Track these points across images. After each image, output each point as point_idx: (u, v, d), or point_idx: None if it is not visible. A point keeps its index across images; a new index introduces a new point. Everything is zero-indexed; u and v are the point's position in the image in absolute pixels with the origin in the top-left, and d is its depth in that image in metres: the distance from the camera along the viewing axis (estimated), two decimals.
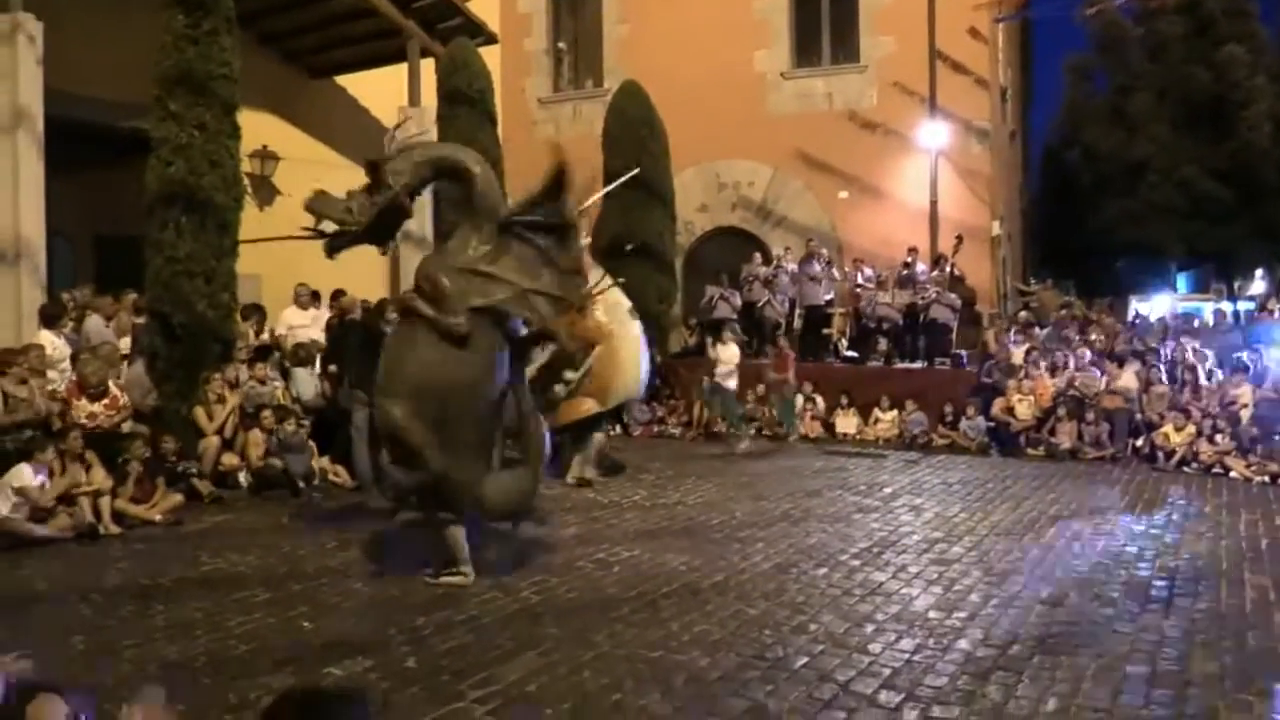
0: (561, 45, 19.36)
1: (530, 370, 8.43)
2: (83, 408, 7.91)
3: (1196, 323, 15.31)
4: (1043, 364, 12.05)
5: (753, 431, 12.22)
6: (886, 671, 4.55)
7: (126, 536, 7.13)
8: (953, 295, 13.53)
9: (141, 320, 9.63)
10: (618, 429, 12.08)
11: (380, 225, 5.88)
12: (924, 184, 15.65)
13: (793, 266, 14.74)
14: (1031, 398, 11.62)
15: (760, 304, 14.54)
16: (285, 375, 9.85)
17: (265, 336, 10.72)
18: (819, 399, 12.93)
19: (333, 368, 9.49)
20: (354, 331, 9.09)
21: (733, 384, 11.82)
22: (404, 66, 14.03)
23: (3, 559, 6.44)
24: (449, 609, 5.39)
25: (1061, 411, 11.38)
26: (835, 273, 14.63)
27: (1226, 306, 21.18)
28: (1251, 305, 22.06)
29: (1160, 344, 12.60)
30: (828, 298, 14.52)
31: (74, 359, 8.61)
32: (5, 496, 6.83)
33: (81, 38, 11.18)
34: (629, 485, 8.82)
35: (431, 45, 13.86)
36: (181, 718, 3.64)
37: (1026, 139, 27.61)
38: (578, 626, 5.14)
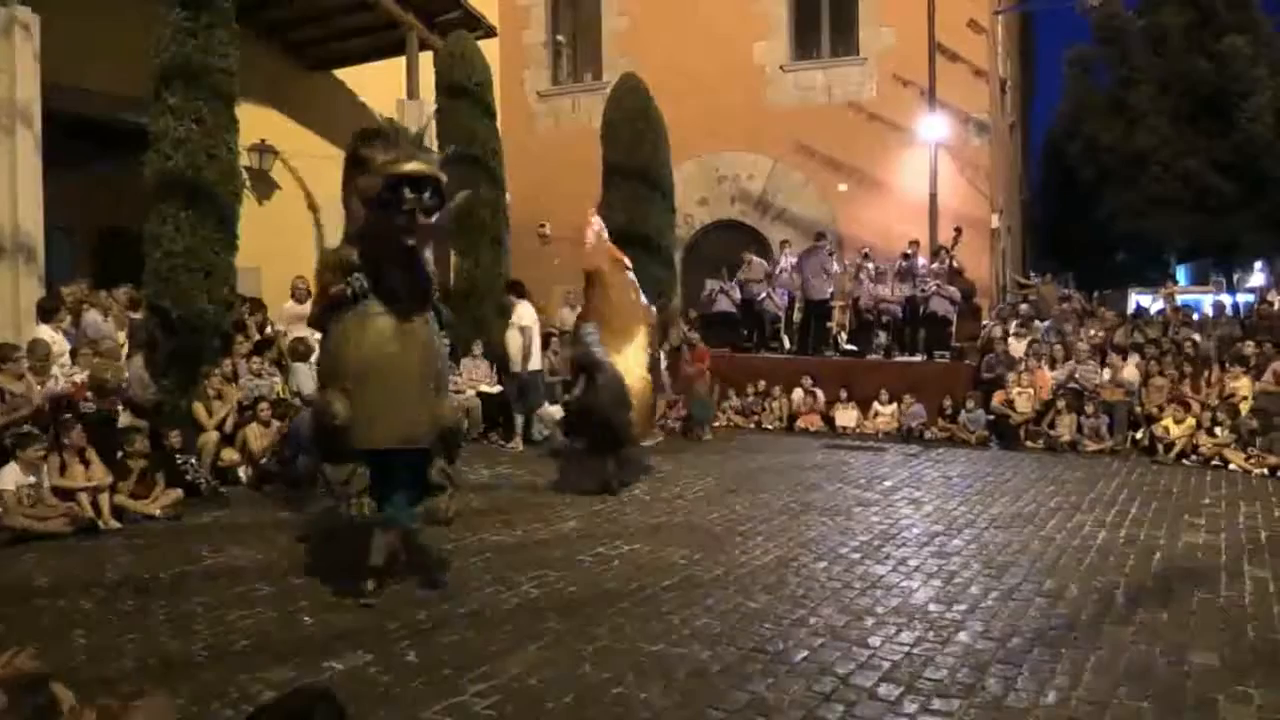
0: (560, 38, 19.34)
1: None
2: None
3: (1196, 315, 15.31)
4: (1042, 357, 12.06)
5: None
6: (886, 664, 4.56)
7: (126, 531, 7.13)
8: (952, 288, 13.52)
9: (138, 314, 9.63)
10: None
11: None
12: (924, 176, 15.64)
13: (793, 259, 14.71)
14: (1031, 390, 11.63)
15: (760, 298, 14.54)
16: (283, 370, 9.86)
17: (269, 330, 10.73)
18: (819, 392, 12.92)
19: None
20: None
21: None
22: (403, 59, 14.01)
23: (2, 554, 6.44)
24: (449, 603, 5.40)
25: (1061, 404, 11.39)
26: (837, 266, 14.61)
27: (1226, 299, 21.18)
28: (1251, 297, 22.08)
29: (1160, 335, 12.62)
30: (831, 290, 14.50)
31: (73, 354, 8.61)
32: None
33: (79, 31, 11.14)
34: (631, 486, 8.82)
35: (430, 38, 13.83)
36: (183, 712, 3.65)
37: (1027, 131, 27.64)
38: (579, 620, 5.14)
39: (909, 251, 14.06)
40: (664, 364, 10.86)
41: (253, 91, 11.36)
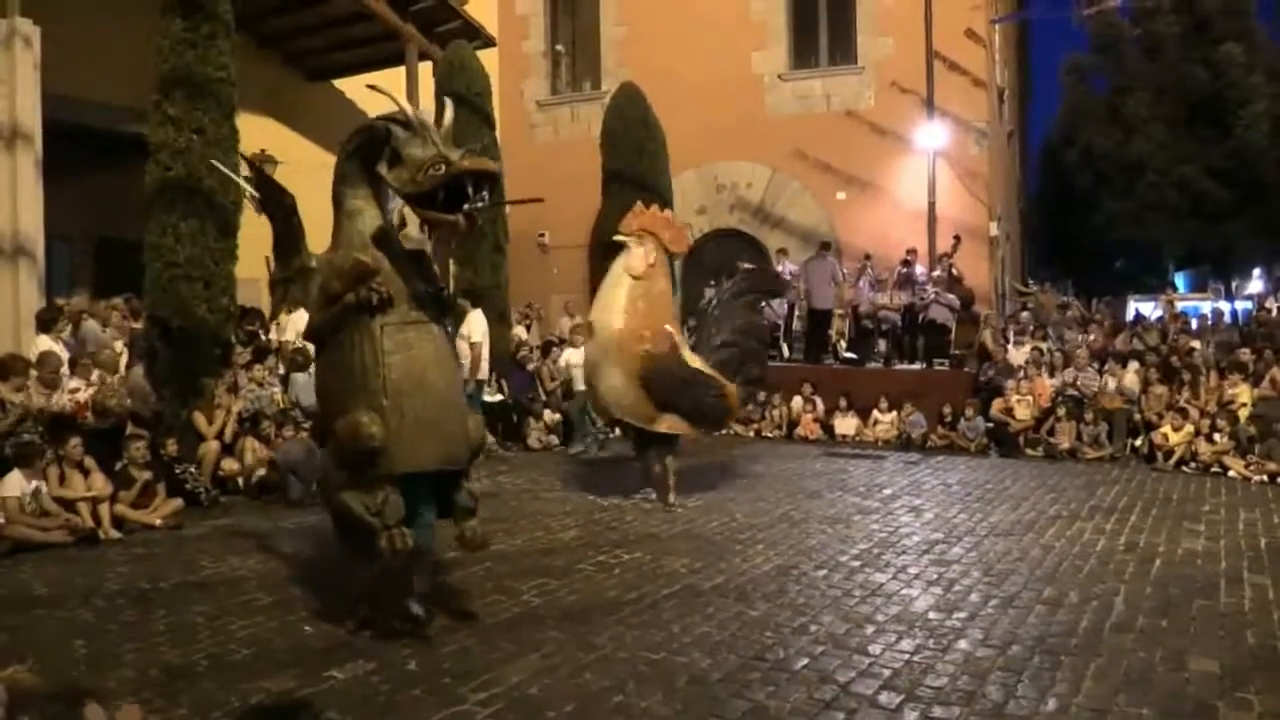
0: (559, 47, 19.39)
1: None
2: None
3: (1194, 322, 15.34)
4: (1041, 364, 12.07)
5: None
6: (887, 672, 4.56)
7: (126, 541, 7.12)
8: (951, 296, 13.54)
9: (138, 325, 9.64)
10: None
11: None
12: (922, 184, 15.68)
13: (792, 268, 14.72)
14: (1030, 398, 11.64)
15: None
16: (284, 381, 9.86)
17: (273, 339, 10.75)
18: (818, 401, 12.93)
19: None
20: None
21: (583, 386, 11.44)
22: (402, 69, 14.05)
23: (3, 564, 6.44)
24: (450, 612, 5.39)
25: (1060, 411, 11.40)
26: (838, 274, 14.63)
27: (1224, 306, 21.22)
28: (1249, 304, 22.12)
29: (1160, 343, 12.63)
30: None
31: (72, 364, 8.62)
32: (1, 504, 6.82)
33: (79, 42, 11.18)
34: (630, 488, 8.82)
35: (429, 48, 13.89)
36: None
37: (1025, 139, 27.70)
38: (580, 629, 5.14)
39: (908, 259, 14.09)
40: None
41: (252, 102, 11.41)
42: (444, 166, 4.59)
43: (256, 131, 12.93)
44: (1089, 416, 11.28)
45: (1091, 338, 13.06)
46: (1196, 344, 12.36)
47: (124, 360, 9.39)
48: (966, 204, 15.92)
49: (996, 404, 11.80)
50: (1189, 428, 10.54)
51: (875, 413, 12.63)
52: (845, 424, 12.67)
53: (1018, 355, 12.54)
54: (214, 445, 8.71)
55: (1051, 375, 11.95)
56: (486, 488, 9.17)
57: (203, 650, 4.84)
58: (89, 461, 7.35)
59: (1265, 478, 9.64)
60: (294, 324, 10.85)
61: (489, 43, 14.98)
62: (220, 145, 9.06)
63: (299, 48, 14.98)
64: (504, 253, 13.14)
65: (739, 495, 8.89)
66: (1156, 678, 4.50)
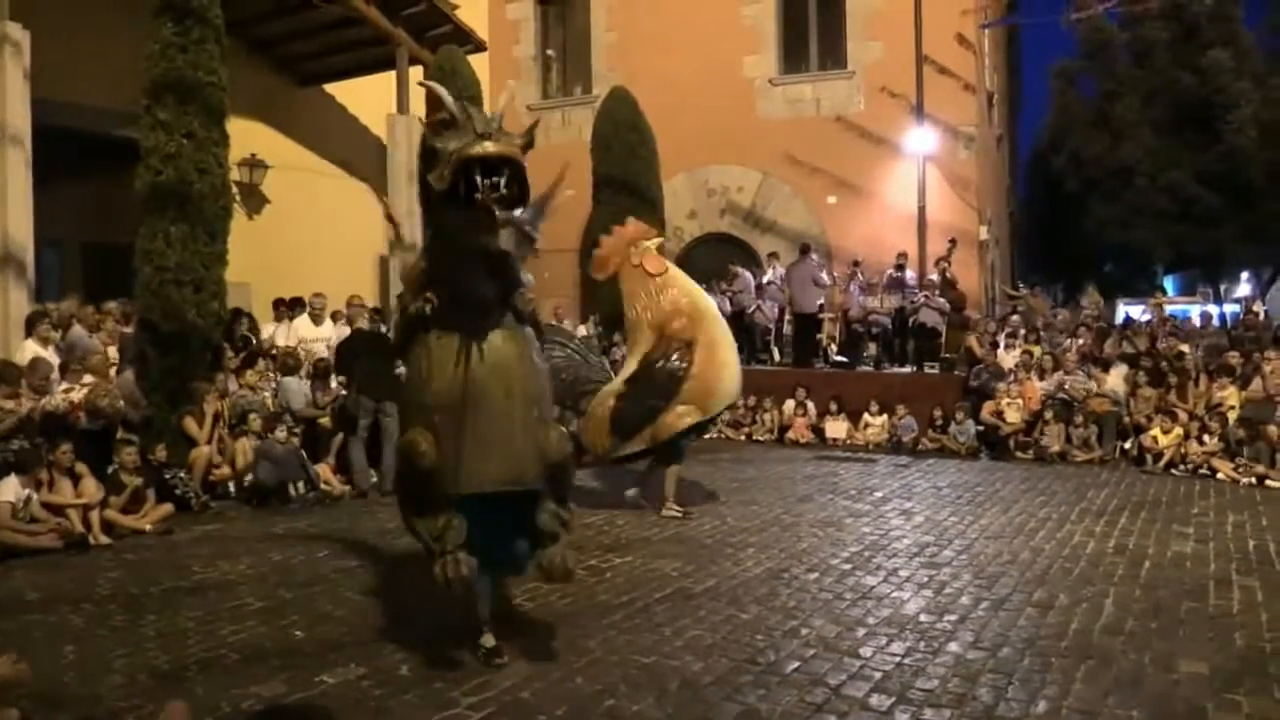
0: (550, 52, 19.43)
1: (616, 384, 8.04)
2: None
3: (1182, 324, 15.40)
4: (1030, 368, 12.10)
5: None
6: (878, 675, 4.57)
7: (117, 546, 7.10)
8: (941, 299, 13.59)
9: (127, 329, 9.62)
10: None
11: None
12: (912, 189, 15.74)
13: (782, 271, 14.76)
14: (1020, 401, 11.68)
15: (749, 310, 14.57)
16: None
17: (268, 342, 10.73)
18: (810, 404, 12.96)
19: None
20: (360, 339, 9.53)
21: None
22: (393, 74, 14.06)
23: None
24: (442, 617, 5.38)
25: (1049, 415, 11.44)
26: (826, 277, 14.69)
27: (1213, 309, 21.32)
28: (1237, 308, 22.23)
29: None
30: (820, 302, 14.55)
31: (62, 369, 8.58)
32: None
33: (69, 46, 11.17)
34: (620, 492, 8.81)
35: (420, 53, 13.89)
36: None
37: (1014, 144, 27.80)
38: (571, 633, 5.14)
39: (899, 263, 14.14)
40: None
41: (243, 106, 11.40)
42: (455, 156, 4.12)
43: (247, 136, 12.94)
44: (1078, 419, 11.32)
45: (1080, 341, 13.11)
46: (1185, 347, 12.40)
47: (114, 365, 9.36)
48: (956, 208, 15.98)
49: (987, 407, 11.84)
50: (1178, 430, 10.59)
51: (866, 416, 12.66)
52: (836, 427, 12.69)
53: (1007, 359, 12.58)
54: (204, 450, 8.69)
55: (1041, 378, 11.99)
56: None
57: (193, 655, 4.83)
58: (80, 467, 7.33)
59: (1254, 480, 9.68)
60: (297, 331, 10.85)
61: (480, 47, 15.00)
62: (210, 150, 9.06)
63: (290, 52, 14.97)
64: None
65: (730, 499, 8.90)
66: (1146, 679, 4.52)
